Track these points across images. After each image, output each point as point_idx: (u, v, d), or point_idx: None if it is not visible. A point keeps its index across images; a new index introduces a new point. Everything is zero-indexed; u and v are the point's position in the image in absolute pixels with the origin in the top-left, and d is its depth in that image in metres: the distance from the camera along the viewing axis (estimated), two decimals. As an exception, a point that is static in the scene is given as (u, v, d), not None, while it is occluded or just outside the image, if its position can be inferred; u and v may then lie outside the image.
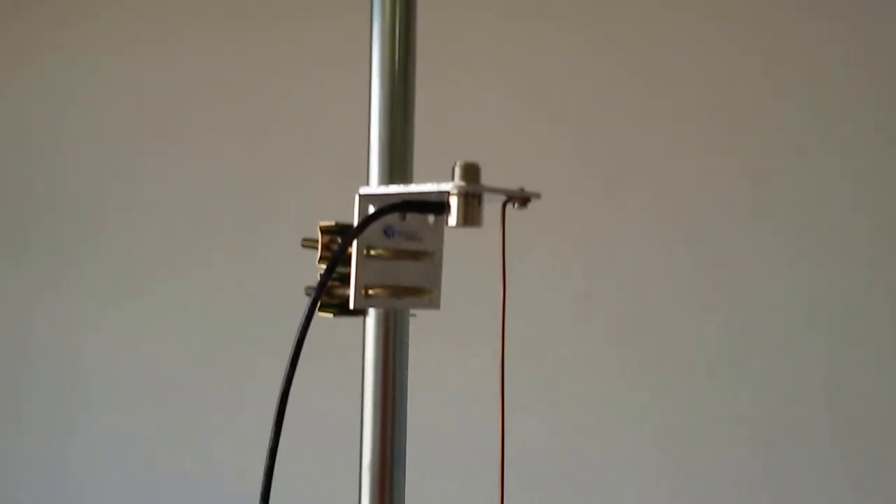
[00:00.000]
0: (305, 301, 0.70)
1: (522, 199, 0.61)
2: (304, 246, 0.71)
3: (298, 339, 0.62)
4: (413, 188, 0.61)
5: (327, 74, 1.86)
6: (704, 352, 1.66)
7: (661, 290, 1.68)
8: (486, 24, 1.79)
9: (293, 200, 1.87)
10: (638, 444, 1.69)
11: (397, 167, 0.66)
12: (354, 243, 0.63)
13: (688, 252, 1.67)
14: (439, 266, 0.68)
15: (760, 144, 1.65)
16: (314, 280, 0.71)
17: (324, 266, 0.69)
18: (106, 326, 2.02)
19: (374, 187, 0.67)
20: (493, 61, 1.79)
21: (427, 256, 0.67)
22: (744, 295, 1.65)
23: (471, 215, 0.60)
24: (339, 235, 0.68)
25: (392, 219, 0.64)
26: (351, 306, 0.64)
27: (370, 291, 0.64)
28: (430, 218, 0.66)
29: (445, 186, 0.59)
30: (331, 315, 0.67)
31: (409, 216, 0.65)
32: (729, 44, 1.67)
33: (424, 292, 0.67)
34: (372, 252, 0.64)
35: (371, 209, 0.64)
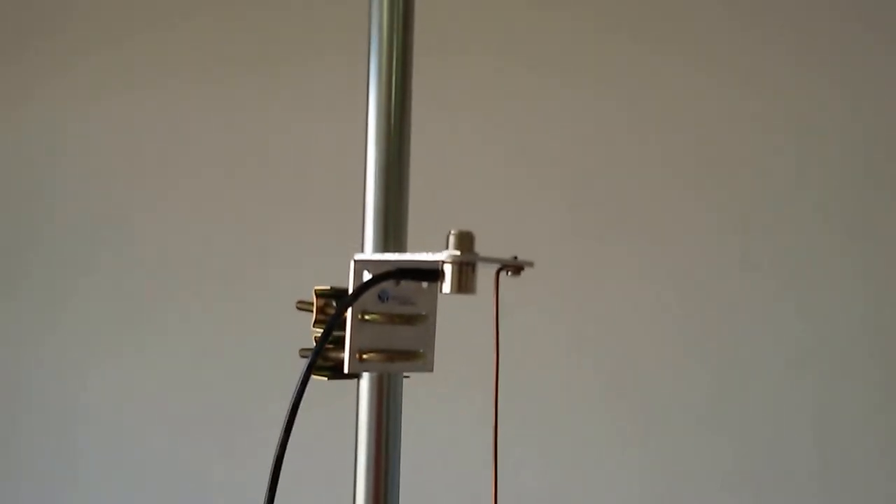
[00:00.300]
0: (299, 361, 0.71)
1: (516, 267, 0.62)
2: (298, 308, 0.71)
3: (293, 404, 0.63)
4: (408, 256, 0.62)
5: (324, 133, 1.87)
6: (694, 400, 1.67)
7: (650, 340, 1.69)
8: (478, 80, 1.81)
9: (287, 251, 1.88)
10: (629, 493, 1.69)
11: (392, 232, 0.67)
12: (349, 309, 0.64)
13: (677, 302, 1.69)
14: (433, 329, 0.69)
15: (748, 197, 1.67)
16: (308, 340, 0.72)
17: (318, 330, 0.70)
18: (98, 374, 2.01)
19: (369, 253, 0.67)
20: (485, 113, 1.81)
21: (421, 320, 0.68)
22: (732, 345, 1.66)
23: (465, 283, 0.61)
24: (334, 299, 0.69)
25: (386, 283, 0.65)
26: (345, 371, 0.65)
27: (364, 356, 0.65)
28: (424, 283, 0.67)
29: (440, 256, 0.60)
30: (325, 378, 0.68)
31: (402, 281, 0.66)
32: (719, 98, 1.70)
33: (418, 356, 0.68)
34: (366, 317, 0.65)
35: (366, 275, 0.65)
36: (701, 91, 1.71)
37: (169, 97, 2.00)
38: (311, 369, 0.61)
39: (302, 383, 0.62)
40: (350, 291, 0.65)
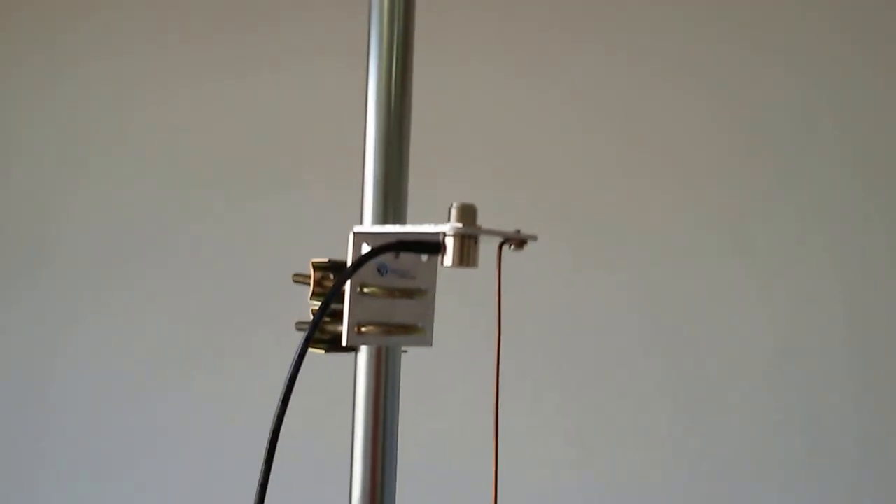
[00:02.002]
0: (296, 335, 0.70)
1: (519, 241, 0.60)
2: (295, 281, 0.70)
3: (291, 377, 0.62)
4: (409, 228, 0.60)
5: (322, 105, 1.84)
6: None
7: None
8: (484, 33, 1.79)
9: (282, 229, 1.86)
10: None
11: (391, 205, 0.66)
12: (348, 281, 0.63)
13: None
14: (432, 303, 0.68)
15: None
16: (304, 314, 0.71)
17: (315, 302, 0.68)
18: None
19: (369, 226, 0.66)
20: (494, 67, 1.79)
21: (420, 294, 0.67)
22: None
23: (467, 256, 0.60)
24: (332, 272, 0.68)
25: (386, 256, 0.64)
26: (343, 344, 0.64)
27: (363, 329, 0.64)
28: (424, 256, 0.66)
29: (441, 227, 0.59)
30: (322, 351, 0.67)
31: (402, 254, 0.65)
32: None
33: (417, 330, 0.67)
34: (365, 290, 0.64)
35: (365, 247, 0.63)
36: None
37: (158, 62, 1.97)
38: (308, 342, 0.60)
39: (299, 356, 0.61)
40: (349, 264, 0.64)
